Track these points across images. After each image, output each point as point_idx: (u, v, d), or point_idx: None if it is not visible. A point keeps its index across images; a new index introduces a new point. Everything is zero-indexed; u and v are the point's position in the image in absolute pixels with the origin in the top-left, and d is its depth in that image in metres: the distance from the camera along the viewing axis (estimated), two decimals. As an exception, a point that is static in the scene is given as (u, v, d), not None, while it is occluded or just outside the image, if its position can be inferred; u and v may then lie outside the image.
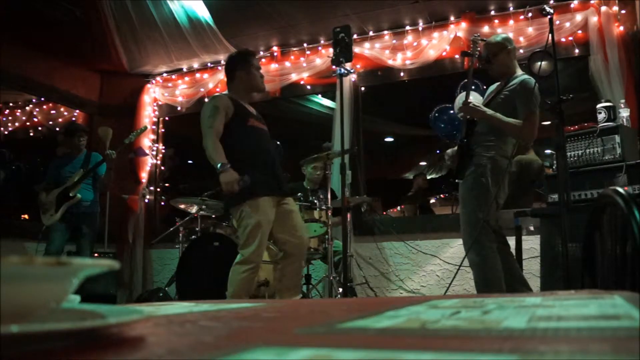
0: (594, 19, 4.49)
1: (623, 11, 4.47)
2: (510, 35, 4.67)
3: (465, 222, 3.23)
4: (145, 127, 5.33)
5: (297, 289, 3.32)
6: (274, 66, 5.69)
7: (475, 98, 3.96)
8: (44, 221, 4.49)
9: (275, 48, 5.69)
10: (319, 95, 6.75)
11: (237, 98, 3.31)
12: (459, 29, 4.97)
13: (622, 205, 1.16)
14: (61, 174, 4.58)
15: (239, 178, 3.06)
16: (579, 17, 4.56)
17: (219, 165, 3.08)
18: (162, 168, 6.37)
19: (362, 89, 5.44)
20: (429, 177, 8.89)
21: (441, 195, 8.64)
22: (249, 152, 3.21)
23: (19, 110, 7.18)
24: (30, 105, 7.06)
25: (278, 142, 4.46)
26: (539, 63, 3.10)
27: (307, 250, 3.39)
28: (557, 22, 4.38)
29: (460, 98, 4.21)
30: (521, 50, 4.57)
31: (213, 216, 4.90)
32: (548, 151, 6.12)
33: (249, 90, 3.41)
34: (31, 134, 7.29)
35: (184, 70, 6.13)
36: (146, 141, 6.07)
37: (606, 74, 4.31)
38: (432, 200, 8.29)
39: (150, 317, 0.61)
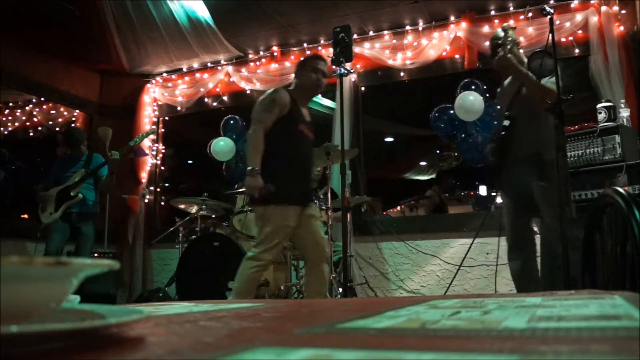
0: (594, 19, 4.49)
1: (623, 11, 4.46)
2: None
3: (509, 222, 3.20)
4: (153, 131, 5.34)
5: (322, 295, 3.33)
6: (274, 66, 5.69)
7: (474, 98, 3.95)
8: (42, 219, 4.47)
9: (275, 48, 5.69)
10: (319, 95, 6.74)
11: (296, 97, 3.29)
12: (459, 29, 4.97)
13: (622, 205, 1.16)
14: (62, 173, 4.57)
15: (262, 186, 3.06)
16: (579, 17, 4.55)
17: (249, 167, 3.08)
18: (162, 168, 6.37)
19: (362, 89, 5.44)
20: (444, 169, 8.63)
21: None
22: (289, 156, 3.20)
23: (19, 110, 7.18)
24: (30, 105, 7.05)
25: None
26: (539, 63, 3.10)
27: (327, 255, 3.39)
28: (557, 22, 4.38)
29: (460, 98, 4.21)
30: (521, 50, 4.56)
31: (213, 216, 4.91)
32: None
33: (310, 91, 3.39)
34: (31, 134, 7.29)
35: (184, 70, 6.12)
36: (146, 141, 6.05)
37: (606, 74, 4.30)
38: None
39: (150, 317, 0.61)
